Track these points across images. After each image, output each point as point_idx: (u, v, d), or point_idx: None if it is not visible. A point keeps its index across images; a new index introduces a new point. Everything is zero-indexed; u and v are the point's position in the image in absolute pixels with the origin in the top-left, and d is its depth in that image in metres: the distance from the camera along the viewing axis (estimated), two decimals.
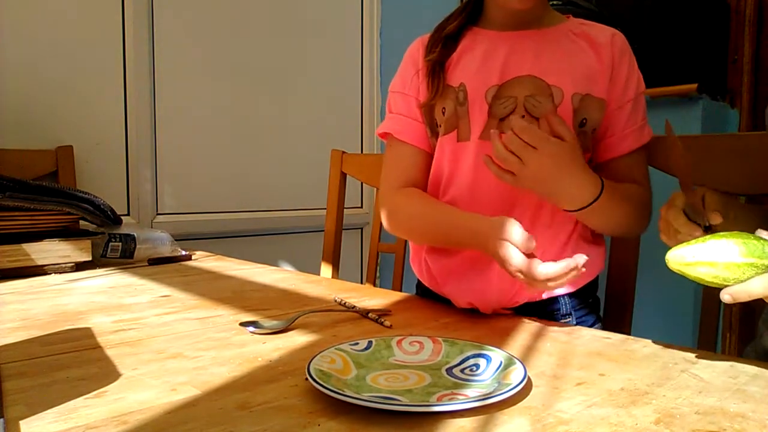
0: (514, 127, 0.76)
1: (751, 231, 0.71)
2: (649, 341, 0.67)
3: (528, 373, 0.50)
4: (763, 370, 0.56)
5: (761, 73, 1.64)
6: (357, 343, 0.59)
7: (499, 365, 0.53)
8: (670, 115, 1.61)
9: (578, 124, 0.86)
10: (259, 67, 2.09)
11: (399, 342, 0.61)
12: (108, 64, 1.75)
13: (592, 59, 0.87)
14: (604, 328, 0.91)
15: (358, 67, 2.40)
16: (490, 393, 0.47)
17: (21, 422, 0.44)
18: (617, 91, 0.88)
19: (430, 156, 0.94)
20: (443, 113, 0.90)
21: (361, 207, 2.41)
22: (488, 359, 0.55)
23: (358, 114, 2.41)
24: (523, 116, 0.83)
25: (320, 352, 0.55)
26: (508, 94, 0.85)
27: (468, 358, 0.57)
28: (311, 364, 0.52)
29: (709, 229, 0.67)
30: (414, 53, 0.95)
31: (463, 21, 0.93)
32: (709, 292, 0.94)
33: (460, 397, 0.48)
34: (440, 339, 0.60)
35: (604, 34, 0.89)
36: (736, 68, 1.67)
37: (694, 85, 1.51)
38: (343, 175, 1.49)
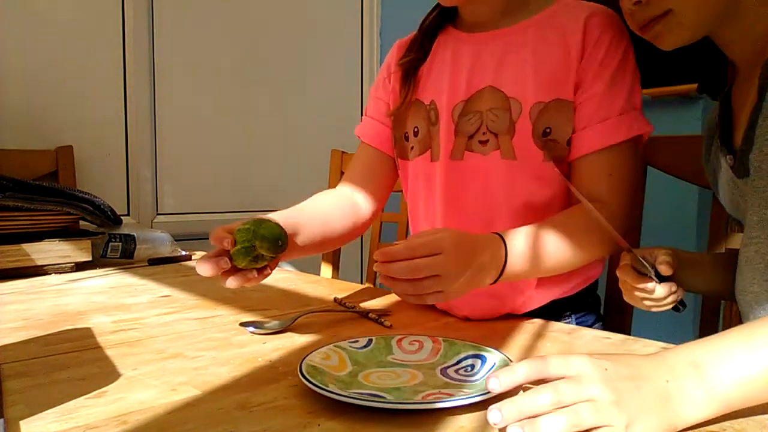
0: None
1: (701, 279, 0.76)
2: (649, 341, 0.67)
3: None
4: None
5: None
6: (357, 341, 0.59)
7: (492, 366, 0.53)
8: (670, 115, 1.61)
9: (541, 135, 0.77)
10: (259, 67, 2.09)
11: (399, 341, 0.61)
12: (108, 64, 1.75)
13: (560, 55, 0.77)
14: (604, 328, 0.91)
15: (358, 67, 2.41)
16: (471, 394, 0.47)
17: (21, 422, 0.44)
18: (587, 79, 0.76)
19: (389, 159, 0.93)
20: (415, 133, 0.87)
21: None
22: (483, 360, 0.55)
23: (358, 114, 2.41)
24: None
25: (317, 349, 0.56)
26: (473, 109, 0.80)
27: (464, 359, 0.57)
28: (305, 359, 0.52)
29: (662, 280, 0.68)
30: (389, 57, 0.94)
31: (438, 20, 0.89)
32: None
33: (445, 396, 0.48)
34: (440, 339, 0.60)
35: (579, 18, 0.77)
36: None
37: (694, 85, 1.51)
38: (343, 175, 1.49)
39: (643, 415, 0.40)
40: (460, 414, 0.45)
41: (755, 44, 0.64)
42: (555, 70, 0.77)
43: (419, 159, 0.87)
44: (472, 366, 0.55)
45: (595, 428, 0.39)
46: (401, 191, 0.97)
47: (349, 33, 2.38)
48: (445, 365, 0.57)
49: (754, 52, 0.64)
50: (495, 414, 0.40)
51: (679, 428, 0.42)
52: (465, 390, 0.50)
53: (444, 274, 0.62)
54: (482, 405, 0.46)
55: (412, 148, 0.88)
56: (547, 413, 0.40)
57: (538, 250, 0.71)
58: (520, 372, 0.44)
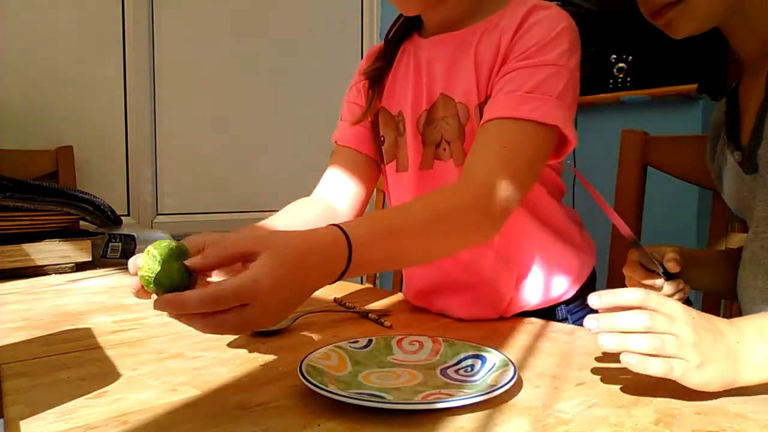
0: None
1: (705, 277, 0.76)
2: None
3: (515, 377, 0.49)
4: None
5: None
6: (357, 341, 0.59)
7: (492, 367, 0.53)
8: (670, 115, 1.61)
9: None
10: (259, 67, 2.09)
11: (399, 341, 0.61)
12: (108, 64, 1.75)
13: (492, 52, 0.74)
14: None
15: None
16: (471, 394, 0.47)
17: (21, 422, 0.44)
18: (508, 63, 0.72)
19: (367, 159, 0.90)
20: (383, 142, 0.87)
21: None
22: (483, 360, 0.55)
23: None
24: None
25: (317, 349, 0.56)
26: (436, 117, 0.79)
27: (464, 359, 0.57)
28: (305, 360, 0.52)
29: (670, 277, 0.70)
30: (360, 65, 0.93)
31: (404, 27, 0.87)
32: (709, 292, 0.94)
33: (444, 397, 0.48)
34: (440, 339, 0.60)
35: (519, 14, 0.73)
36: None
37: (694, 85, 1.51)
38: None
39: (713, 363, 0.46)
40: (460, 414, 0.45)
41: (762, 41, 0.64)
42: (490, 69, 0.74)
43: (388, 167, 0.86)
44: (472, 366, 0.55)
45: (672, 357, 0.46)
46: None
47: (349, 33, 2.38)
48: (445, 365, 0.57)
49: (761, 48, 0.65)
50: (591, 321, 0.48)
51: (737, 385, 0.48)
52: (465, 390, 0.50)
53: (253, 322, 0.50)
54: (482, 405, 0.46)
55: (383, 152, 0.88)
56: (637, 333, 0.46)
57: (391, 238, 0.60)
58: (622, 296, 0.49)
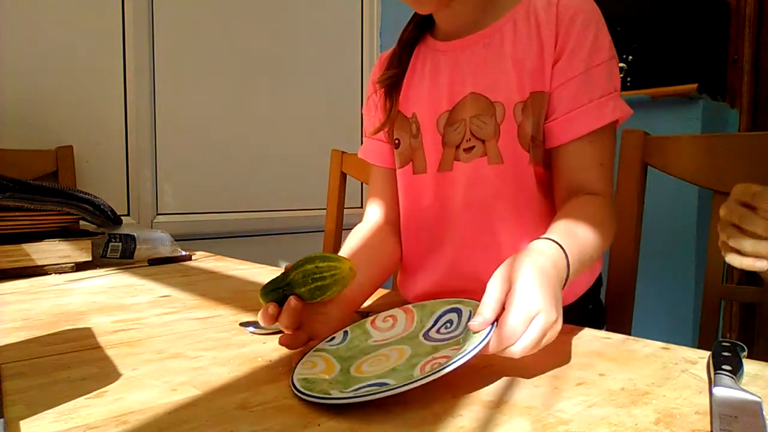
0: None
1: None
2: (649, 341, 0.67)
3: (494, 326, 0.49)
4: (763, 370, 0.56)
5: (761, 73, 1.64)
6: (333, 338, 0.59)
7: (470, 316, 0.53)
8: (670, 115, 1.61)
9: (526, 135, 0.76)
10: (259, 67, 2.09)
11: (372, 322, 0.60)
12: (108, 64, 1.75)
13: (536, 48, 0.74)
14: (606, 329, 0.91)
15: (358, 67, 2.41)
16: (466, 349, 0.46)
17: (21, 422, 0.44)
18: (562, 65, 0.74)
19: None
20: (396, 146, 0.86)
21: (361, 207, 2.41)
22: (460, 313, 0.55)
23: (358, 114, 2.41)
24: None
25: (300, 360, 0.55)
26: (458, 118, 0.79)
27: (441, 317, 0.57)
28: (294, 375, 0.51)
29: None
30: (373, 74, 0.93)
31: (416, 31, 0.87)
32: (709, 293, 0.94)
33: (442, 360, 0.48)
34: (410, 306, 0.60)
35: (551, 6, 0.75)
36: (736, 68, 1.67)
37: (694, 85, 1.51)
38: (343, 175, 1.49)
39: None
40: (461, 409, 0.45)
41: None
42: (532, 64, 0.75)
43: (402, 170, 0.86)
44: (451, 321, 0.55)
45: None
46: None
47: (349, 33, 2.38)
48: (426, 329, 0.56)
49: None
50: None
51: None
52: (456, 347, 0.50)
53: (555, 327, 0.54)
54: (482, 405, 0.46)
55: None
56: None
57: (582, 247, 0.64)
58: None
